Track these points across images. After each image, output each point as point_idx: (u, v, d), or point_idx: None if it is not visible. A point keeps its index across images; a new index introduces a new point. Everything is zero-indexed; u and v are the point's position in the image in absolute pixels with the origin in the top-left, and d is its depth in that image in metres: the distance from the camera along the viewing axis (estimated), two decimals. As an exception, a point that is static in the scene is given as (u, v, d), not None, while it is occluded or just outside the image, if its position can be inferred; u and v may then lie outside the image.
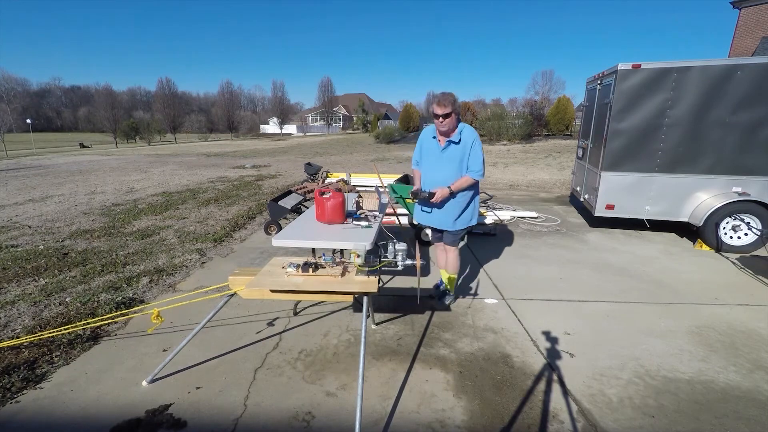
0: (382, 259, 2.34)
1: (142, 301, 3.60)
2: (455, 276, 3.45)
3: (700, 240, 5.10)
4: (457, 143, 2.97)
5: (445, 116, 2.88)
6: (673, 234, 5.69)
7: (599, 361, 2.69)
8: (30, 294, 3.73)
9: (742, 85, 4.61)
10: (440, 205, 3.09)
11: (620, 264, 4.52)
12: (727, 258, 4.75)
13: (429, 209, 3.19)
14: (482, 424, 2.13)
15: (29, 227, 6.23)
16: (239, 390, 2.38)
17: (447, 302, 3.48)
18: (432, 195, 2.96)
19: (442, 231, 3.29)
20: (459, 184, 2.99)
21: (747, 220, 4.83)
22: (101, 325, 3.10)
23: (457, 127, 2.98)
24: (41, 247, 5.16)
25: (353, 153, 21.21)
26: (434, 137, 3.09)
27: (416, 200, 3.12)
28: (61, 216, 6.99)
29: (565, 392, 2.38)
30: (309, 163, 8.80)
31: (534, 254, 4.87)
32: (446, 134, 2.98)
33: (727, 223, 4.92)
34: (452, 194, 3.01)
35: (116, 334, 3.04)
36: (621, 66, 4.94)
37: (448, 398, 2.32)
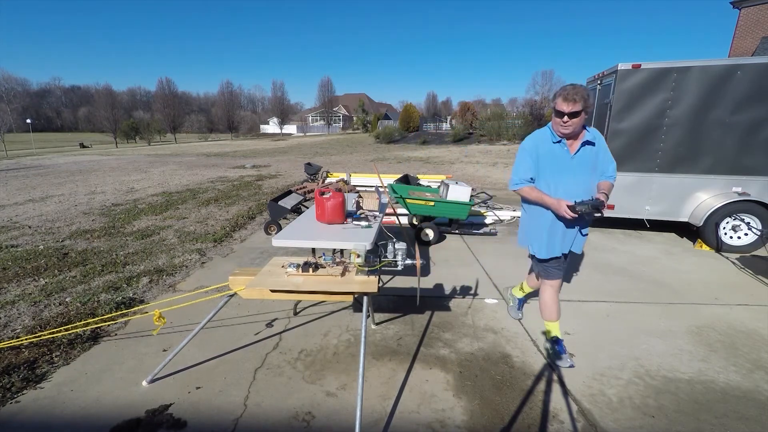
0: (382, 259, 2.34)
1: (142, 301, 3.60)
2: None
3: (700, 240, 5.10)
4: (593, 145, 2.40)
5: (573, 115, 2.25)
6: (673, 234, 5.69)
7: (599, 361, 2.69)
8: (30, 294, 3.72)
9: (742, 85, 4.61)
10: (583, 221, 2.47)
11: (620, 264, 4.52)
12: (727, 258, 4.74)
13: (572, 226, 2.49)
14: (482, 424, 2.13)
15: (29, 227, 6.23)
16: (239, 390, 2.38)
17: (569, 361, 2.63)
18: (601, 203, 2.21)
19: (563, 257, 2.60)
20: (609, 191, 2.39)
21: (747, 220, 4.83)
22: (101, 325, 3.10)
23: (582, 126, 2.38)
24: (41, 247, 5.16)
25: (353, 153, 21.21)
26: (556, 142, 2.41)
27: (579, 214, 2.26)
28: (61, 216, 6.99)
29: (565, 392, 2.38)
30: (309, 163, 8.81)
31: (534, 254, 4.87)
32: (573, 136, 2.38)
33: (727, 223, 4.92)
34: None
35: (116, 334, 3.04)
36: (621, 66, 4.94)
37: (448, 398, 2.32)
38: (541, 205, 2.48)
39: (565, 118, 2.27)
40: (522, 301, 3.30)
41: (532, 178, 2.47)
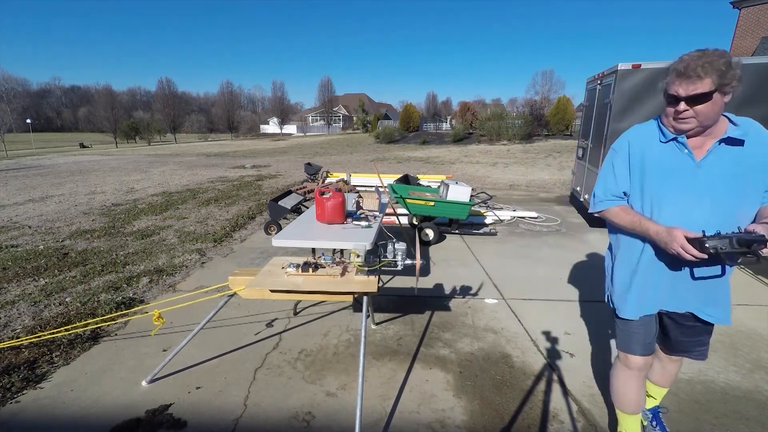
0: (382, 259, 2.34)
1: (142, 301, 3.60)
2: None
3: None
4: (741, 144, 1.46)
5: (697, 100, 1.38)
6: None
7: (599, 361, 2.69)
8: (30, 294, 3.72)
9: (742, 84, 4.59)
10: (715, 267, 1.55)
11: (620, 264, 4.52)
12: (727, 258, 4.74)
13: (690, 272, 1.58)
14: (482, 424, 2.13)
15: (29, 227, 6.23)
16: (239, 390, 2.38)
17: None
18: (762, 239, 1.32)
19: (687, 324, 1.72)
20: None
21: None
22: (101, 325, 3.10)
23: (718, 115, 1.44)
24: (41, 247, 5.16)
25: (353, 153, 21.22)
26: (667, 141, 1.54)
27: (711, 255, 1.38)
28: (61, 216, 6.99)
29: (565, 392, 2.38)
30: (309, 163, 8.81)
31: (534, 254, 4.87)
32: (698, 133, 1.48)
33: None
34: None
35: (116, 334, 3.04)
36: (621, 66, 4.94)
37: (448, 398, 2.32)
38: (638, 237, 1.62)
39: (682, 105, 1.38)
40: (656, 412, 2.05)
41: (625, 193, 1.65)
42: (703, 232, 1.38)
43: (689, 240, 1.39)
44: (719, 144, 1.47)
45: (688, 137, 1.50)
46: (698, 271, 1.56)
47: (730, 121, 1.48)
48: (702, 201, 1.49)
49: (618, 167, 1.65)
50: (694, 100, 1.37)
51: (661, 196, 1.55)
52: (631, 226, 1.60)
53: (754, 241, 1.31)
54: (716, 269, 1.54)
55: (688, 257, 1.39)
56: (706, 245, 1.35)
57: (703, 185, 1.49)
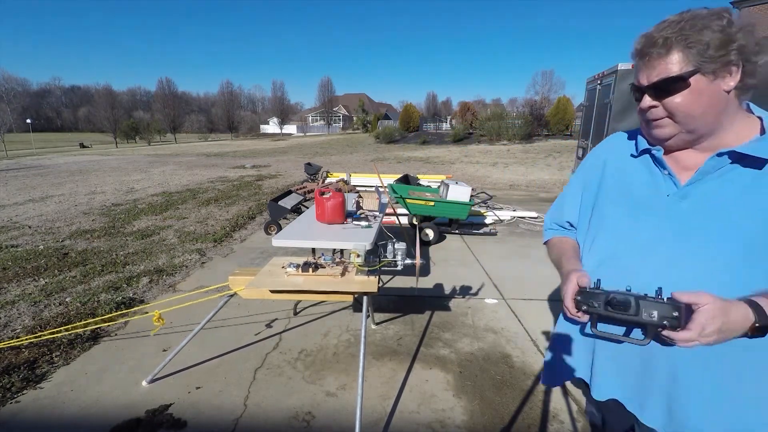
0: (382, 259, 2.34)
1: (142, 301, 3.60)
2: None
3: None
4: (760, 167, 0.85)
5: (666, 88, 0.86)
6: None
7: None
8: (30, 294, 3.72)
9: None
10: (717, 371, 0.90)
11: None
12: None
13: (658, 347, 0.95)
14: (482, 424, 2.13)
15: (29, 227, 6.23)
16: (239, 390, 2.38)
17: None
18: (681, 313, 0.80)
19: None
20: None
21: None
22: (101, 325, 3.10)
23: (718, 113, 0.86)
24: (41, 247, 5.16)
25: (353, 153, 21.22)
26: (638, 154, 1.03)
27: (591, 315, 0.93)
28: (61, 216, 6.99)
29: (565, 392, 2.38)
30: (309, 163, 8.82)
31: (534, 254, 4.87)
32: (686, 142, 0.93)
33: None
34: (763, 331, 0.79)
35: (116, 334, 3.04)
36: (621, 66, 4.94)
37: (448, 398, 2.32)
38: None
39: (646, 100, 0.91)
40: None
41: (570, 223, 1.23)
42: (598, 281, 0.95)
43: (578, 291, 0.96)
44: (721, 160, 0.87)
45: (667, 150, 0.96)
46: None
47: (762, 120, 0.88)
48: (683, 249, 0.91)
49: (571, 188, 1.23)
50: (661, 90, 0.87)
51: (619, 228, 1.03)
52: (555, 266, 1.19)
53: (667, 320, 0.80)
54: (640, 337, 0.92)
55: (568, 315, 0.98)
56: (578, 298, 0.94)
57: (688, 223, 0.91)
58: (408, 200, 5.22)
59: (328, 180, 7.55)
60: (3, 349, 2.72)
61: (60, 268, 4.38)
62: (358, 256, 2.26)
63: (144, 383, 2.42)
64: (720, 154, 0.87)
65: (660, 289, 0.86)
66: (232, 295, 2.50)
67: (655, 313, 0.81)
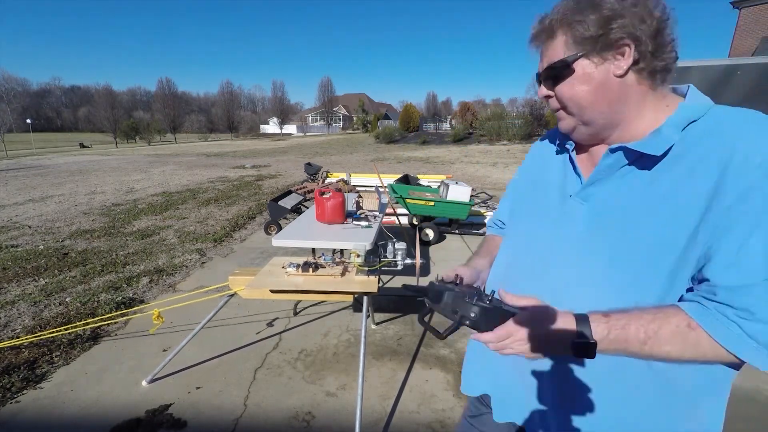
0: (382, 259, 2.34)
1: (142, 301, 3.60)
2: None
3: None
4: (653, 163, 0.72)
5: (551, 75, 0.78)
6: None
7: (599, 361, 2.69)
8: (30, 294, 3.72)
9: (742, 85, 4.61)
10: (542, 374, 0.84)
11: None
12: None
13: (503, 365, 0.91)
14: (482, 424, 2.13)
15: (29, 227, 6.23)
16: (239, 390, 2.38)
17: None
18: (484, 315, 0.71)
19: None
20: (635, 333, 0.66)
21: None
22: (101, 325, 3.10)
23: (612, 103, 0.74)
24: (41, 247, 5.16)
25: (353, 153, 21.22)
26: (558, 149, 0.93)
27: (428, 309, 0.88)
28: (61, 216, 6.99)
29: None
30: (309, 163, 8.82)
31: (534, 254, 4.87)
32: (591, 137, 0.82)
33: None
34: (583, 350, 0.66)
35: (116, 334, 3.04)
36: (621, 66, 4.94)
37: (448, 398, 2.32)
38: None
39: (542, 89, 0.83)
40: None
41: (502, 222, 1.14)
42: (440, 278, 0.91)
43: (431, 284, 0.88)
44: (616, 157, 0.75)
45: (579, 145, 0.86)
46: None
47: (681, 119, 0.71)
48: (574, 262, 0.79)
49: (508, 185, 1.12)
50: (550, 79, 0.79)
51: (513, 232, 1.01)
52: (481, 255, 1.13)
53: (429, 294, 0.81)
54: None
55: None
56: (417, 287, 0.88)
57: (582, 233, 0.79)
58: (408, 200, 5.22)
59: (328, 180, 7.55)
60: (3, 349, 2.72)
61: (60, 268, 4.38)
62: (358, 256, 2.26)
63: (144, 383, 2.42)
64: (613, 150, 0.75)
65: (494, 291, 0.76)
66: (232, 295, 2.49)
67: (458, 310, 0.74)
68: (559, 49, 0.75)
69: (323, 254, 2.56)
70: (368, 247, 2.23)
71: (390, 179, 6.23)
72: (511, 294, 0.74)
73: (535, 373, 0.85)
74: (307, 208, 5.81)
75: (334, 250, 2.74)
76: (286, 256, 2.66)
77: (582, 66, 0.73)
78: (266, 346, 2.86)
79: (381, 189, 3.58)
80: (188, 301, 3.10)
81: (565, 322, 0.69)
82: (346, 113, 68.00)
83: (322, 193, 2.60)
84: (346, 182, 6.68)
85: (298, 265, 2.39)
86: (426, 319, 0.82)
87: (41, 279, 4.10)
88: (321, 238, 2.35)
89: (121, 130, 48.66)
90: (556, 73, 0.77)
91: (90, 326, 2.99)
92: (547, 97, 0.82)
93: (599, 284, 0.75)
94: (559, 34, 0.75)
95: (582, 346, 0.66)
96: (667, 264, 0.68)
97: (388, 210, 3.42)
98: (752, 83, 4.60)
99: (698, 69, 4.70)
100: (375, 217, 2.81)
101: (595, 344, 0.66)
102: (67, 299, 3.62)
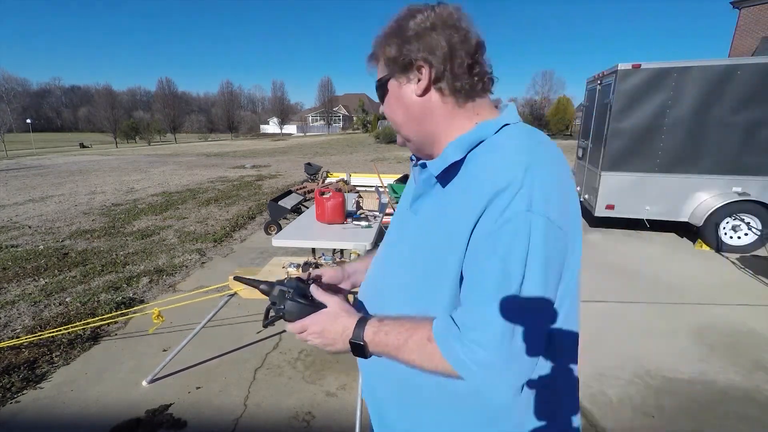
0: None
1: (142, 301, 3.60)
2: None
3: (700, 240, 5.10)
4: (443, 185, 0.76)
5: (378, 93, 0.82)
6: (673, 234, 5.69)
7: (599, 361, 2.68)
8: (30, 294, 3.72)
9: (742, 85, 4.61)
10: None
11: (620, 264, 4.52)
12: (727, 258, 4.74)
13: None
14: (482, 424, 2.13)
15: (29, 227, 6.23)
16: (239, 390, 2.38)
17: None
18: (287, 308, 0.81)
19: None
20: (394, 339, 0.71)
21: (747, 220, 4.83)
22: (101, 325, 3.10)
23: (415, 121, 0.78)
24: (41, 247, 5.16)
25: (353, 153, 21.22)
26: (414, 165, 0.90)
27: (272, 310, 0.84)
28: (61, 216, 6.99)
29: (565, 392, 2.38)
30: (309, 163, 8.82)
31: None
32: (422, 152, 0.84)
33: (727, 223, 4.92)
34: (356, 349, 0.75)
35: (116, 334, 3.04)
36: (621, 66, 4.94)
37: (448, 398, 2.32)
38: None
39: (381, 108, 0.87)
40: None
41: None
42: (284, 280, 0.87)
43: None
44: (427, 172, 0.77)
45: (420, 159, 0.85)
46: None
47: (460, 143, 0.73)
48: (392, 266, 0.86)
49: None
50: (379, 97, 0.84)
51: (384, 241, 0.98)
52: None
53: (267, 291, 0.85)
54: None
55: None
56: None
57: (402, 240, 0.86)
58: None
59: (328, 180, 7.54)
60: (3, 349, 2.72)
61: (60, 268, 4.38)
62: (358, 256, 2.26)
63: (144, 383, 2.42)
64: (423, 166, 0.78)
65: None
66: (232, 295, 2.50)
67: (277, 303, 0.82)
68: (380, 70, 0.80)
69: (323, 254, 2.56)
70: (368, 247, 2.23)
71: (390, 179, 6.23)
72: (321, 291, 0.82)
73: (364, 374, 0.94)
74: (307, 208, 5.81)
75: (334, 250, 2.74)
76: (286, 256, 2.66)
77: (392, 86, 0.78)
78: (266, 346, 2.86)
79: (381, 189, 3.58)
80: (188, 301, 3.10)
81: (348, 323, 0.76)
82: (346, 113, 67.99)
83: (322, 193, 2.60)
84: (346, 182, 6.68)
85: (298, 265, 2.39)
86: (272, 312, 0.86)
87: (41, 279, 4.10)
88: (321, 238, 2.35)
89: (121, 130, 48.65)
90: (379, 93, 0.82)
91: (90, 326, 3.00)
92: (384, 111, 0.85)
93: (402, 292, 0.79)
94: (379, 56, 0.79)
95: (354, 346, 0.74)
96: (447, 278, 0.69)
97: (388, 210, 3.42)
98: (752, 83, 4.60)
99: (698, 69, 4.70)
100: (375, 217, 2.81)
101: (365, 345, 0.73)
102: (67, 299, 3.62)
